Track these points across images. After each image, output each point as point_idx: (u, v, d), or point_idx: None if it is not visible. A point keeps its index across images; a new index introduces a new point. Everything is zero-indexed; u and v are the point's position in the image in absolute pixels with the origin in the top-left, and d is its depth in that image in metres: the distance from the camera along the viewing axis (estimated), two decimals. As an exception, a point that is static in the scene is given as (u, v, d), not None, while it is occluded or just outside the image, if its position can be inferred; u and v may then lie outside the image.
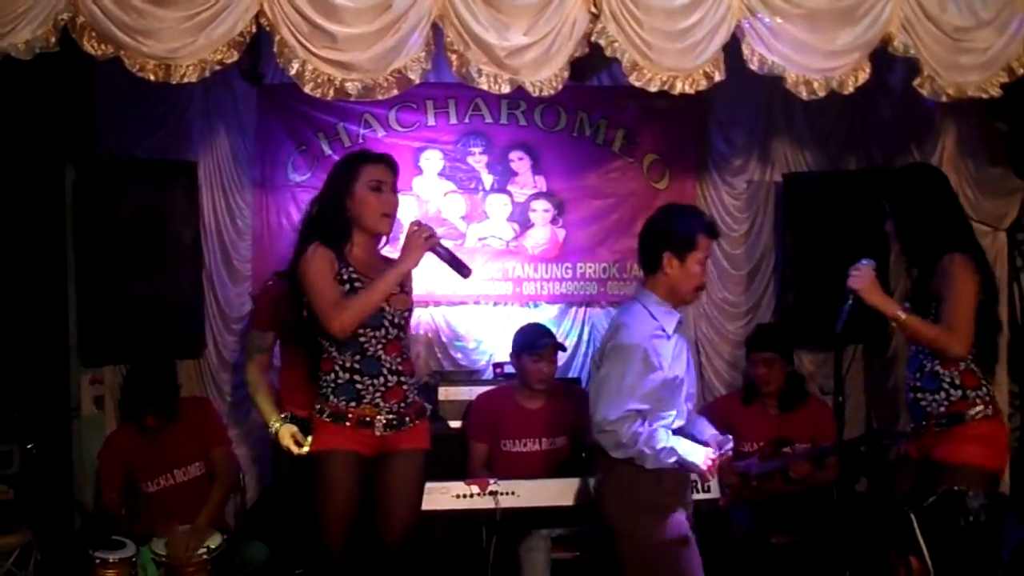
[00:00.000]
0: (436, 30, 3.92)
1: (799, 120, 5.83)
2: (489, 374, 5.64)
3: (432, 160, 5.77)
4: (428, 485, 4.03)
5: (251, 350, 4.57)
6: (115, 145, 5.40)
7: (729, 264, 5.92)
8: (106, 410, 5.35)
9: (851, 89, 4.21)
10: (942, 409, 3.92)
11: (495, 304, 5.87)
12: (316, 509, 3.80)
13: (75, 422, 5.22)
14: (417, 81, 3.94)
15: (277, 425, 4.33)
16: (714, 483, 4.25)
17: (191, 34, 3.72)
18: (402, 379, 3.85)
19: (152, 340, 5.09)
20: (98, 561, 4.29)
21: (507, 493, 4.36)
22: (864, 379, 5.98)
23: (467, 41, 3.91)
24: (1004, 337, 5.42)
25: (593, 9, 3.97)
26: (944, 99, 4.32)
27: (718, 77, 4.09)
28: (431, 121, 5.75)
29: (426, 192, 5.76)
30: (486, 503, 4.34)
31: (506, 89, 4.00)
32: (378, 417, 3.81)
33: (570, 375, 5.74)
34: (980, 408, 3.90)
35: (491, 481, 4.41)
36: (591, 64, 4.62)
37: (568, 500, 4.39)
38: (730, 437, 3.77)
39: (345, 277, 3.80)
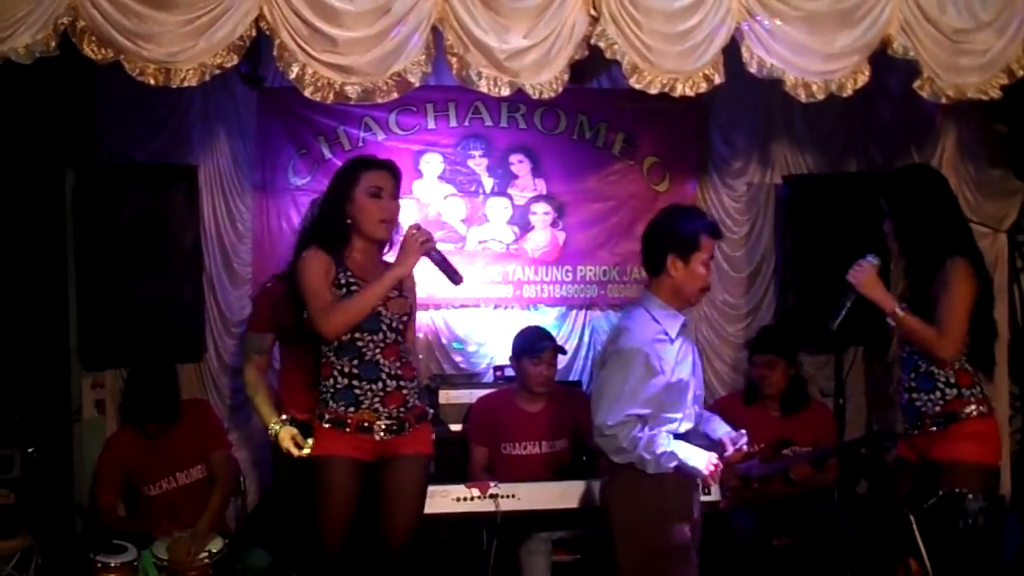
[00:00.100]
0: (436, 33, 3.92)
1: (799, 122, 5.83)
2: (489, 377, 5.63)
3: (432, 163, 5.77)
4: (429, 488, 4.03)
5: (250, 352, 4.56)
6: (115, 149, 5.40)
7: (729, 266, 5.92)
8: (107, 414, 5.34)
9: (850, 92, 4.21)
10: (937, 408, 3.93)
11: (495, 307, 5.87)
12: (315, 514, 3.80)
13: (76, 426, 5.22)
14: (417, 84, 3.94)
15: (276, 427, 4.32)
16: (715, 486, 4.24)
17: (191, 38, 3.71)
18: (401, 383, 3.85)
19: (152, 344, 5.08)
20: (99, 565, 4.30)
21: (508, 496, 4.36)
22: (864, 381, 5.98)
23: (467, 44, 3.91)
24: (1004, 338, 5.44)
25: (593, 12, 3.97)
26: (944, 101, 4.31)
27: (718, 80, 4.09)
28: (431, 124, 5.75)
29: (426, 195, 5.76)
30: (487, 506, 4.34)
31: (506, 92, 3.99)
32: (377, 422, 3.80)
33: (570, 378, 5.74)
34: (975, 406, 3.91)
35: (492, 484, 4.41)
36: (591, 67, 4.61)
37: (569, 503, 4.38)
38: (743, 432, 3.72)
39: (343, 281, 3.80)
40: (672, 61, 4.02)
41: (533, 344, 4.99)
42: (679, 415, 3.62)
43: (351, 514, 3.81)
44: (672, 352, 3.60)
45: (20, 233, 4.83)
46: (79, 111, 5.15)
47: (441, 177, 5.79)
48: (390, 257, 3.97)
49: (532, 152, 5.85)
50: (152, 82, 3.74)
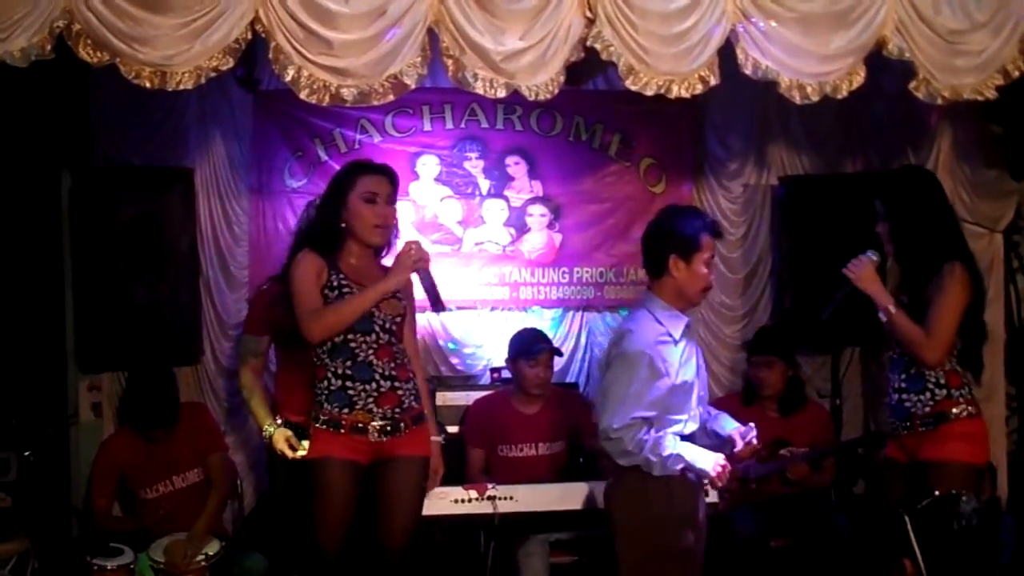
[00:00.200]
0: (432, 35, 3.92)
1: (795, 124, 5.82)
2: (486, 379, 5.63)
3: (429, 165, 5.77)
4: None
5: (245, 354, 4.57)
6: (111, 152, 5.40)
7: (726, 268, 5.92)
8: (104, 417, 5.33)
9: (845, 93, 4.21)
10: (927, 409, 3.95)
11: (492, 309, 5.86)
12: (312, 516, 3.80)
13: (73, 429, 5.21)
14: (413, 86, 3.94)
15: (271, 429, 4.33)
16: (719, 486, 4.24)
17: (187, 41, 3.71)
18: (396, 384, 3.85)
19: (149, 347, 5.08)
20: (96, 568, 4.30)
21: (505, 498, 4.37)
22: (861, 382, 5.98)
23: (463, 46, 3.91)
24: (1000, 339, 5.46)
25: (588, 13, 3.97)
26: (940, 102, 4.33)
27: (714, 81, 4.09)
28: (427, 126, 5.75)
29: (423, 197, 5.76)
30: (484, 508, 4.35)
31: (502, 94, 3.99)
32: (372, 423, 3.81)
33: (567, 380, 5.74)
34: (964, 407, 3.94)
35: (489, 486, 4.42)
36: (587, 68, 4.62)
37: (566, 505, 4.39)
38: (752, 426, 3.71)
39: (335, 284, 3.81)
40: (668, 63, 4.02)
41: (529, 346, 5.00)
42: (684, 417, 3.61)
43: (348, 517, 3.81)
44: (676, 354, 3.59)
45: (16, 236, 4.82)
46: (75, 114, 5.15)
47: (437, 179, 5.78)
48: (388, 260, 3.99)
49: (528, 154, 5.85)
50: (148, 85, 3.74)
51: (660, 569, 3.58)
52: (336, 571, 3.85)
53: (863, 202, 4.30)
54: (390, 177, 3.94)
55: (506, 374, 5.26)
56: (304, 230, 3.96)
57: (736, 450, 3.67)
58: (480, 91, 3.97)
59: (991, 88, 4.34)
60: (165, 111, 5.39)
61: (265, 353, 4.58)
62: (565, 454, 5.06)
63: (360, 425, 3.80)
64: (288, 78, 3.84)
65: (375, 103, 3.95)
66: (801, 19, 4.11)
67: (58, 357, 5.12)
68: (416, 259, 3.78)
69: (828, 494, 5.20)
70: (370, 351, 3.81)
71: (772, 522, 4.89)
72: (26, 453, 4.50)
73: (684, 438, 3.60)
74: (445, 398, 5.27)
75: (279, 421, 4.37)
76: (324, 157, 5.63)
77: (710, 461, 3.57)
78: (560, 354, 5.38)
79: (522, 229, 5.87)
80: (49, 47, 3.64)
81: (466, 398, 5.22)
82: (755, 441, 3.71)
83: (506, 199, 5.85)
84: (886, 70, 4.52)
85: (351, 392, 3.81)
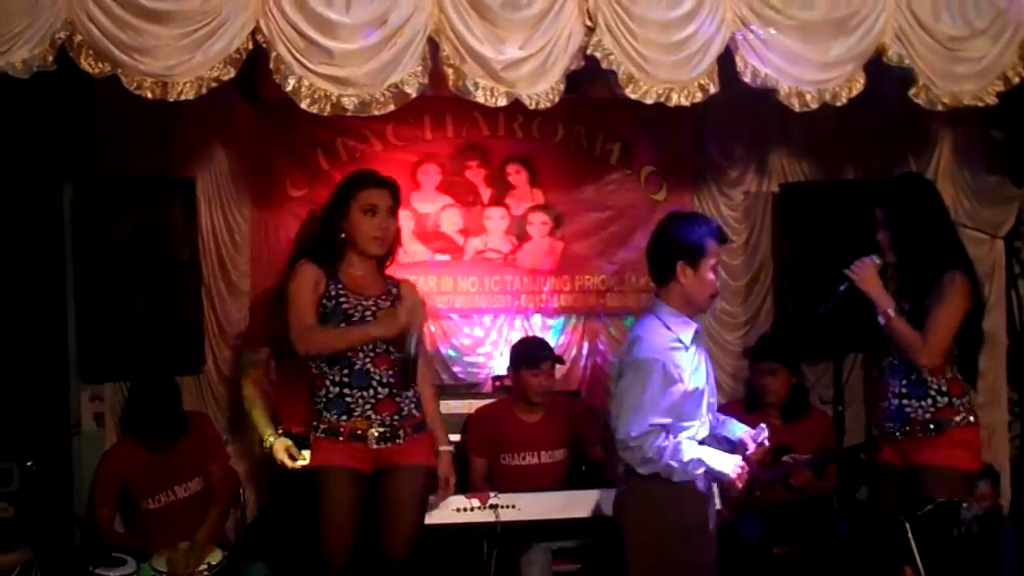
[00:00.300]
0: (432, 44, 3.93)
1: (795, 131, 5.82)
2: (488, 387, 5.63)
3: (430, 174, 5.77)
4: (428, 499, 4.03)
5: (246, 366, 4.59)
6: (113, 162, 5.40)
7: (727, 275, 5.91)
8: (106, 427, 5.32)
9: (844, 100, 4.22)
10: (928, 416, 3.96)
11: (493, 317, 5.87)
12: (315, 525, 3.80)
13: (75, 439, 5.21)
14: (414, 95, 3.95)
15: (271, 439, 4.34)
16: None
17: (188, 51, 3.73)
18: (394, 391, 3.86)
19: (152, 356, 5.08)
20: (99, 578, 4.29)
21: (507, 506, 4.37)
22: (864, 388, 5.97)
23: (463, 55, 3.92)
24: (1002, 345, 5.46)
25: (588, 22, 3.99)
26: (940, 108, 4.34)
27: (713, 89, 4.10)
28: (428, 135, 5.76)
29: (424, 206, 5.77)
30: (486, 516, 4.35)
31: (503, 102, 4.00)
32: (370, 430, 3.82)
33: (568, 388, 5.73)
34: (964, 415, 3.96)
35: (491, 494, 4.41)
36: (587, 76, 4.63)
37: (568, 513, 4.39)
38: (763, 427, 3.70)
39: (332, 293, 3.83)
40: (667, 71, 4.03)
41: (532, 355, 5.00)
42: (695, 423, 3.60)
43: (353, 525, 3.81)
44: (688, 359, 3.58)
45: (19, 246, 4.83)
46: (77, 125, 5.15)
47: (439, 188, 5.79)
48: (392, 270, 4.02)
49: (529, 162, 5.85)
50: (149, 96, 3.75)
51: None
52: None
53: (863, 209, 4.30)
54: (391, 189, 3.96)
55: (508, 382, 5.26)
56: (305, 239, 3.97)
57: (748, 452, 3.67)
58: (481, 100, 3.98)
59: (991, 94, 4.35)
60: (167, 121, 5.39)
61: (265, 364, 4.58)
62: (567, 462, 5.06)
63: (359, 432, 3.81)
64: (289, 88, 3.85)
65: (376, 112, 3.96)
66: (800, 27, 4.12)
67: (60, 367, 5.12)
68: (404, 322, 3.76)
69: (831, 501, 5.19)
70: (367, 359, 3.82)
71: (776, 529, 4.89)
72: (28, 463, 4.49)
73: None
74: (447, 406, 5.22)
75: (280, 431, 4.37)
76: (326, 166, 5.64)
77: (729, 464, 3.57)
78: (562, 362, 5.39)
79: (523, 237, 5.87)
80: (51, 58, 3.65)
81: (468, 406, 5.20)
82: (767, 442, 3.71)
83: (507, 207, 5.86)
84: (886, 77, 4.53)
85: (349, 399, 3.82)
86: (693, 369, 3.59)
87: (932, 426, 3.94)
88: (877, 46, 4.18)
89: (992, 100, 4.35)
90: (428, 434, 3.99)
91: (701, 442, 3.63)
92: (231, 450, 5.22)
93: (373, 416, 3.82)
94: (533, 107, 4.03)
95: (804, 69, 4.13)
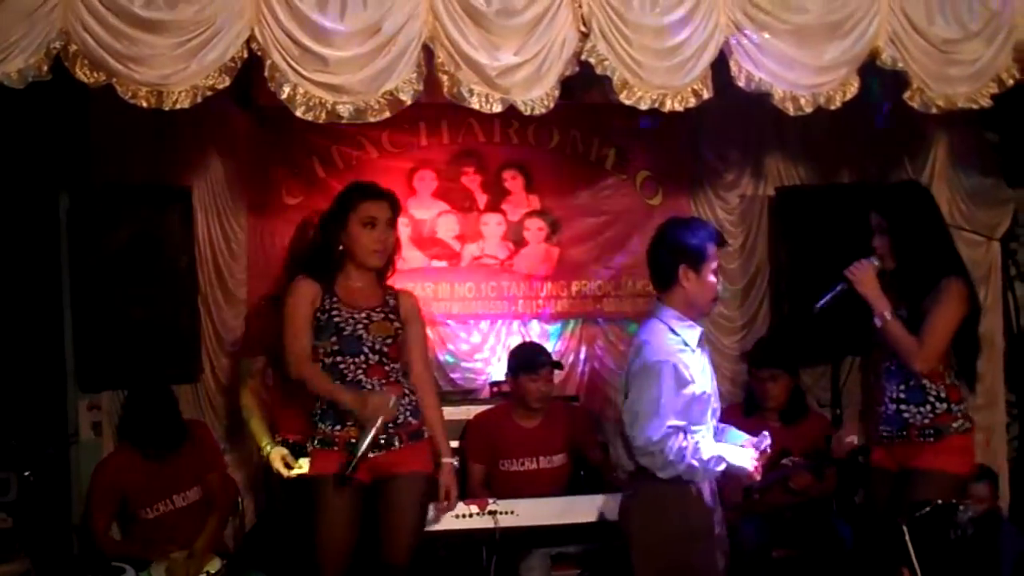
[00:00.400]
0: (427, 51, 3.93)
1: (790, 134, 5.82)
2: (486, 393, 5.63)
3: (426, 180, 5.78)
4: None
5: (243, 375, 4.60)
6: (109, 171, 5.40)
7: (724, 278, 5.91)
8: (104, 436, 5.32)
9: (838, 104, 4.22)
10: (926, 421, 3.97)
11: (491, 323, 5.87)
12: (312, 535, 3.80)
13: (73, 448, 5.20)
14: (409, 102, 3.94)
15: (268, 448, 4.35)
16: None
17: (183, 60, 3.72)
18: None
19: (149, 365, 5.08)
20: (97, 588, 4.29)
21: (506, 512, 4.36)
22: (862, 391, 5.96)
23: (458, 61, 3.92)
24: (999, 347, 5.46)
25: (583, 28, 3.99)
26: (934, 111, 4.33)
27: (706, 94, 4.10)
28: (424, 142, 5.76)
29: (420, 212, 5.77)
30: (485, 522, 4.34)
31: (498, 108, 4.00)
32: None
33: (566, 393, 5.73)
34: (961, 421, 3.98)
35: (490, 500, 4.41)
36: (582, 82, 4.63)
37: (567, 518, 4.39)
38: (766, 434, 3.70)
39: (326, 307, 3.85)
40: (661, 76, 4.04)
41: (531, 360, 5.00)
42: (703, 428, 3.59)
43: (349, 535, 3.82)
44: (695, 361, 3.58)
45: (15, 255, 4.82)
46: (73, 134, 5.15)
47: (435, 194, 5.80)
48: (392, 280, 4.05)
49: (525, 168, 5.86)
50: (144, 105, 3.74)
51: None
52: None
53: (859, 212, 4.31)
54: (390, 202, 3.97)
55: (505, 388, 5.26)
56: (304, 251, 3.98)
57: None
58: (476, 106, 3.97)
59: (986, 96, 4.35)
60: (162, 130, 5.39)
61: (262, 373, 4.59)
62: (566, 467, 5.06)
63: (353, 440, 3.80)
64: (284, 96, 3.84)
65: (371, 120, 3.95)
66: (795, 31, 4.12)
67: (58, 376, 5.12)
68: (367, 417, 3.75)
69: (830, 504, 5.19)
70: (359, 371, 3.84)
71: (775, 532, 4.89)
72: (26, 473, 4.49)
73: None
74: (445, 413, 5.25)
75: (278, 440, 4.38)
76: (322, 174, 5.64)
77: (746, 457, 3.59)
78: (561, 367, 5.39)
79: (520, 243, 5.88)
80: (46, 68, 3.65)
81: (466, 412, 5.21)
82: (769, 449, 3.71)
83: (503, 213, 5.86)
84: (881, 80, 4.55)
85: (343, 409, 3.83)
86: (699, 372, 3.59)
87: (931, 432, 3.95)
88: (871, 49, 4.18)
89: (986, 102, 4.35)
90: (426, 442, 3.99)
91: None
92: (229, 458, 5.22)
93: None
94: (528, 113, 4.03)
95: (798, 73, 4.13)
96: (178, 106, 3.78)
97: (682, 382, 3.50)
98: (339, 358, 3.83)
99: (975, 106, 4.34)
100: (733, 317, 5.94)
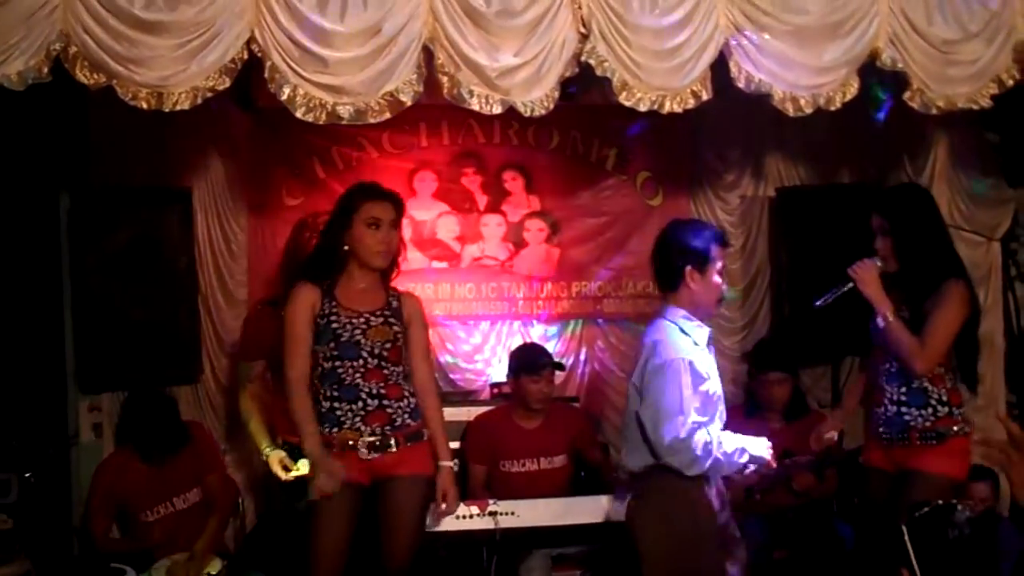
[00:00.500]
0: (427, 52, 3.93)
1: (791, 135, 5.82)
2: (486, 395, 5.63)
3: (426, 181, 5.78)
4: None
5: (242, 379, 4.60)
6: (109, 172, 5.40)
7: (725, 279, 5.91)
8: (104, 437, 5.32)
9: (838, 105, 4.22)
10: (927, 424, 3.97)
11: (491, 324, 5.87)
12: (310, 537, 3.80)
13: (73, 450, 5.20)
14: (409, 103, 3.95)
15: (267, 451, 4.36)
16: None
17: (183, 62, 3.73)
18: (385, 403, 3.86)
19: (149, 366, 5.09)
20: (97, 589, 4.28)
21: (507, 513, 4.36)
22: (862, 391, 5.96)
23: (458, 63, 3.93)
24: (1000, 348, 5.45)
25: (582, 29, 3.99)
26: (934, 111, 4.34)
27: (705, 96, 4.10)
28: (424, 143, 5.77)
29: (421, 213, 5.78)
30: (486, 523, 4.34)
31: (497, 110, 4.00)
32: (360, 440, 3.82)
33: (567, 394, 5.73)
34: (961, 425, 3.99)
35: (491, 501, 4.41)
36: (582, 83, 4.63)
37: (568, 519, 4.38)
38: (766, 441, 3.72)
39: (325, 311, 3.84)
40: (660, 78, 4.04)
41: (532, 361, 4.99)
42: (717, 425, 3.61)
43: (343, 536, 3.81)
44: (706, 360, 3.60)
45: (15, 257, 4.82)
46: (73, 135, 5.16)
47: (435, 195, 5.80)
48: (396, 282, 4.05)
49: (525, 169, 5.86)
50: (144, 106, 3.75)
51: None
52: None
53: (859, 212, 4.31)
54: (394, 203, 3.96)
55: (506, 389, 5.26)
56: (300, 253, 3.98)
57: None
58: (476, 107, 3.98)
59: (986, 97, 4.36)
60: (163, 131, 5.39)
61: (261, 376, 4.58)
62: (566, 468, 5.05)
63: (350, 443, 3.81)
64: (284, 97, 3.84)
65: (371, 121, 3.95)
66: (794, 31, 4.12)
67: (58, 378, 5.12)
68: (320, 486, 3.76)
69: (831, 504, 5.19)
70: (357, 375, 3.84)
71: (776, 533, 4.88)
72: (27, 474, 4.48)
73: None
74: (446, 414, 5.25)
75: (278, 442, 4.38)
76: (322, 175, 5.65)
77: (763, 446, 3.63)
78: (562, 368, 5.39)
79: (520, 244, 5.88)
80: (46, 70, 3.65)
81: (467, 414, 5.20)
82: (771, 450, 3.73)
83: (504, 214, 5.87)
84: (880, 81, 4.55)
85: (339, 412, 3.83)
86: (711, 371, 3.61)
87: (932, 435, 3.95)
88: (871, 50, 4.18)
89: (986, 103, 4.36)
90: (425, 443, 3.98)
91: None
92: (229, 459, 5.22)
93: (362, 428, 3.83)
94: (528, 114, 4.03)
95: (798, 74, 4.14)
96: (178, 107, 3.78)
97: (699, 379, 3.52)
98: (337, 363, 3.83)
99: (975, 106, 4.35)
100: (734, 318, 5.95)
